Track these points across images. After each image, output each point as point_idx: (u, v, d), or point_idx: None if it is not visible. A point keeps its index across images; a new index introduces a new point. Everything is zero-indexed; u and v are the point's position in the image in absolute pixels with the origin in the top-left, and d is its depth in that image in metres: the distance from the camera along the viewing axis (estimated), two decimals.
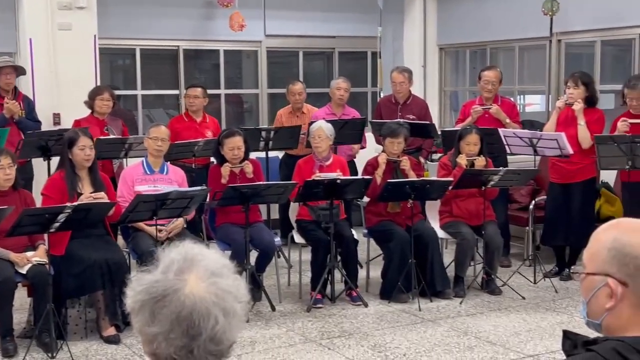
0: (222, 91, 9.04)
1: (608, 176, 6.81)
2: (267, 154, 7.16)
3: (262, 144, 7.00)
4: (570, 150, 6.05)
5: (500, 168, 5.97)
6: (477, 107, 6.77)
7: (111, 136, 6.77)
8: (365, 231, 6.24)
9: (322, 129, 5.97)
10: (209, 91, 9.19)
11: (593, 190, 6.53)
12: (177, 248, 1.59)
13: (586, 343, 1.68)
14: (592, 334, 1.75)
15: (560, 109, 6.35)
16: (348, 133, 6.89)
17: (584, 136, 6.14)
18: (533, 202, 6.92)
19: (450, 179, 5.82)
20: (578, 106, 6.17)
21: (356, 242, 5.92)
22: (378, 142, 7.09)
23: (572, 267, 6.31)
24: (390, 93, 7.57)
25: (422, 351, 4.79)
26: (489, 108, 6.72)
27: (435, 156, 7.71)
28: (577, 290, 5.98)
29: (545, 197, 6.80)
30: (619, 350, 1.59)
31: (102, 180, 5.35)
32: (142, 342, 1.55)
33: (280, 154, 7.82)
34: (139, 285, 1.52)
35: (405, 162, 5.94)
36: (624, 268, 1.63)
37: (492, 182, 5.88)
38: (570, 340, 1.74)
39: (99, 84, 7.50)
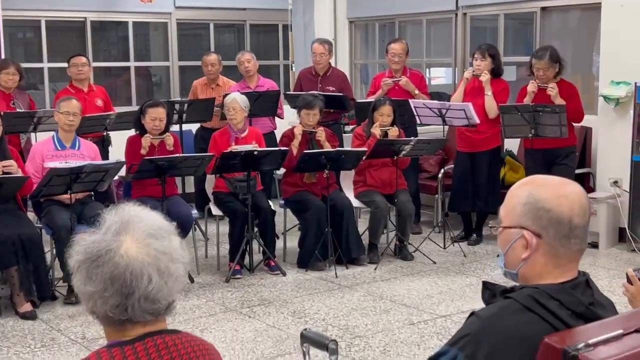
0: (132, 64, 8.90)
1: (511, 144, 7.10)
2: (181, 127, 7.12)
3: (175, 117, 6.96)
4: (477, 120, 6.29)
5: (412, 138, 6.16)
6: (387, 79, 6.93)
7: (18, 110, 6.60)
8: (282, 202, 6.33)
9: (236, 101, 6.00)
10: (119, 64, 9.04)
11: (498, 158, 6.82)
12: (118, 210, 1.64)
13: (504, 292, 1.82)
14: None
15: (467, 79, 6.59)
16: (263, 105, 6.93)
17: (491, 106, 6.40)
18: (442, 171, 7.16)
19: (365, 149, 5.96)
20: (485, 77, 6.42)
21: (273, 212, 6.00)
22: None
23: (492, 223, 6.62)
24: (310, 65, 7.63)
25: (340, 315, 4.94)
26: (399, 80, 6.89)
27: (348, 128, 7.87)
28: (484, 254, 6.30)
29: (453, 166, 7.05)
30: (534, 296, 1.74)
31: (10, 153, 5.23)
32: (82, 301, 1.61)
33: (193, 128, 7.79)
34: (79, 246, 1.57)
35: (321, 133, 6.04)
36: (538, 220, 1.77)
37: (404, 152, 6.06)
38: (489, 291, 1.89)
39: (3, 57, 7.26)
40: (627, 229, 6.33)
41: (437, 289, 5.46)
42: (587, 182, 6.77)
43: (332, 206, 5.92)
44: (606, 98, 6.51)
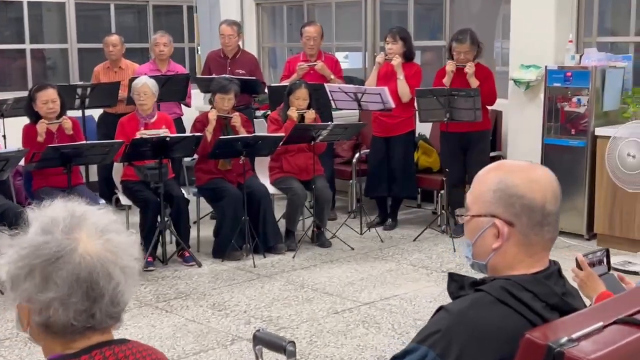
0: (27, 46, 8.41)
1: (424, 128, 7.09)
2: (83, 113, 6.77)
3: (77, 102, 6.61)
4: (392, 104, 6.24)
5: (329, 123, 6.05)
6: (303, 64, 6.79)
7: None
8: (195, 190, 6.10)
9: (147, 85, 5.72)
10: (13, 46, 8.54)
11: (412, 142, 6.81)
12: (56, 206, 1.44)
13: (474, 284, 1.72)
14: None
15: (380, 64, 6.53)
16: (171, 90, 6.65)
17: (403, 90, 6.37)
18: (356, 156, 7.09)
19: (282, 134, 5.81)
20: (397, 61, 6.38)
21: (187, 201, 5.78)
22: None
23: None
24: (219, 48, 7.38)
25: (262, 306, 4.79)
26: (314, 64, 6.76)
27: (259, 112, 7.68)
28: (400, 239, 6.27)
29: (366, 150, 7.00)
30: (507, 288, 1.64)
31: None
32: (23, 314, 1.39)
33: (95, 113, 7.42)
34: (20, 249, 1.36)
35: (237, 119, 5.85)
36: (510, 208, 1.67)
37: (321, 137, 5.94)
38: (456, 282, 1.78)
39: None
40: None
41: (358, 276, 5.38)
42: None
43: (249, 193, 5.74)
44: (516, 82, 6.58)
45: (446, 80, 6.22)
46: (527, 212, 1.66)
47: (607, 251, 2.45)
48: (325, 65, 6.78)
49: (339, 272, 5.48)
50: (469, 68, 6.14)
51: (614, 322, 1.58)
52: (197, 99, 8.05)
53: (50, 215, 1.41)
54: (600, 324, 1.55)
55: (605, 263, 2.42)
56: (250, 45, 9.36)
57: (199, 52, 9.28)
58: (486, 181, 1.73)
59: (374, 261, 5.74)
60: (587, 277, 2.33)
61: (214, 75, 6.54)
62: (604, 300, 2.04)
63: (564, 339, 1.50)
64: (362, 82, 7.27)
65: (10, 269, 1.37)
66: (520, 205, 1.67)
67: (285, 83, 6.61)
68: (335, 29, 8.66)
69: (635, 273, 5.24)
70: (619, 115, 6.20)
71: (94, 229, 1.40)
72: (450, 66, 6.20)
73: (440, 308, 1.71)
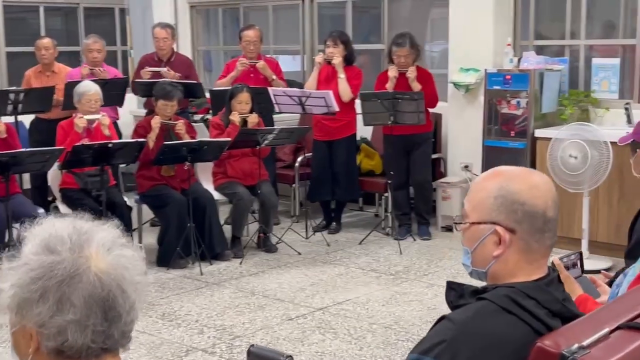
0: None
1: (365, 131, 7.10)
2: (16, 119, 6.52)
3: (10, 107, 6.37)
4: (337, 108, 6.23)
5: (275, 127, 6.00)
6: (243, 59, 6.71)
7: None
8: (137, 197, 5.95)
9: (98, 93, 5.59)
10: None
11: (355, 145, 6.81)
12: (55, 223, 1.36)
13: (475, 292, 1.70)
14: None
15: (320, 64, 6.52)
16: (109, 94, 6.46)
17: (344, 89, 6.37)
18: (299, 160, 7.05)
19: (228, 139, 5.72)
20: (337, 59, 6.38)
21: (130, 208, 5.63)
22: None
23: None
24: (152, 51, 7.23)
25: (214, 315, 4.70)
26: (256, 62, 6.70)
27: (197, 117, 7.56)
28: (346, 242, 6.27)
29: (308, 154, 6.96)
30: (511, 296, 1.64)
31: None
32: (25, 341, 1.30)
33: (26, 119, 7.15)
34: (29, 270, 1.27)
35: (181, 126, 5.73)
36: (512, 215, 1.67)
37: (266, 141, 5.88)
38: (455, 291, 1.76)
39: None
40: None
41: (308, 281, 5.34)
42: (438, 167, 6.93)
43: (194, 199, 5.63)
44: (456, 85, 6.67)
45: (389, 86, 6.24)
46: (529, 218, 1.66)
47: (581, 254, 2.49)
48: (267, 65, 6.73)
49: (288, 277, 5.43)
50: (411, 73, 6.19)
51: (618, 328, 1.59)
52: (131, 103, 7.87)
53: (54, 233, 1.33)
54: (607, 330, 1.56)
55: (579, 266, 2.46)
56: (184, 48, 9.21)
57: (132, 55, 9.10)
58: (486, 188, 1.72)
59: (323, 265, 5.72)
60: (564, 280, 2.34)
61: (157, 79, 6.38)
62: (601, 305, 2.06)
63: (575, 347, 1.50)
64: (300, 85, 7.25)
65: (17, 292, 1.28)
66: (522, 212, 1.66)
67: (226, 87, 6.52)
68: (272, 32, 8.60)
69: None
70: (557, 117, 6.35)
71: (102, 245, 1.33)
72: (392, 72, 6.23)
73: (442, 318, 1.69)
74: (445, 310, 4.78)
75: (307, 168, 6.93)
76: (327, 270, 5.58)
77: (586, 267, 5.57)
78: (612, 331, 1.57)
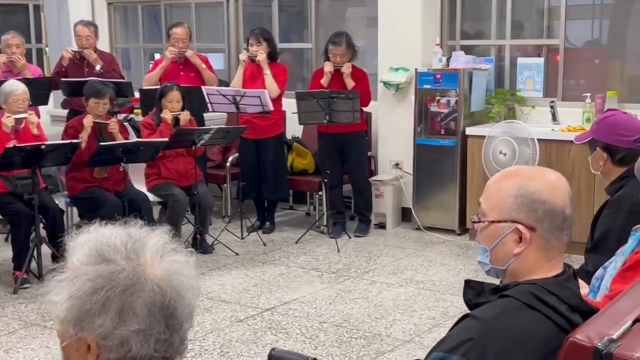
0: None
1: (295, 130, 7.09)
2: None
3: None
4: (272, 107, 6.21)
5: (211, 126, 5.91)
6: (172, 48, 6.60)
7: None
8: (68, 200, 5.75)
9: (25, 92, 5.35)
10: None
11: (282, 144, 6.80)
12: (105, 231, 1.31)
13: (496, 290, 1.74)
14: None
15: (245, 62, 6.48)
16: (33, 93, 6.20)
17: (271, 85, 6.35)
18: (230, 159, 6.98)
19: (165, 139, 5.60)
20: (262, 56, 6.36)
21: (62, 212, 5.44)
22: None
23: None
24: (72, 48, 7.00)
25: None
26: (185, 51, 6.61)
27: (120, 116, 7.37)
28: (282, 241, 6.26)
29: (237, 154, 6.90)
30: (534, 292, 1.68)
31: None
32: (81, 353, 1.24)
33: None
34: (87, 280, 1.22)
35: (114, 125, 5.57)
36: (533, 213, 1.71)
37: (202, 141, 5.79)
38: (473, 289, 1.79)
39: None
40: (412, 208, 6.64)
41: (251, 282, 5.30)
42: (368, 165, 6.99)
43: (129, 201, 5.49)
44: (386, 84, 6.76)
45: (324, 81, 6.28)
46: (550, 216, 1.71)
47: None
48: (196, 56, 6.66)
49: (230, 278, 5.38)
50: (346, 68, 6.24)
51: (637, 320, 1.65)
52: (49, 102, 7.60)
53: (105, 241, 1.28)
54: (629, 322, 1.62)
55: None
56: (102, 46, 8.96)
57: (47, 54, 8.78)
58: (505, 188, 1.75)
59: (263, 265, 5.68)
60: None
61: (85, 79, 6.18)
62: (613, 299, 2.14)
63: (606, 340, 1.55)
64: (226, 84, 7.18)
65: (75, 304, 1.22)
66: (543, 211, 1.70)
67: (156, 87, 6.40)
68: (195, 30, 8.47)
69: None
70: (485, 115, 6.54)
71: (155, 251, 1.29)
72: (328, 67, 6.26)
73: (467, 315, 1.71)
74: (390, 307, 4.85)
75: (238, 168, 6.86)
76: (268, 270, 5.55)
77: None
78: (633, 323, 1.63)
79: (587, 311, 1.72)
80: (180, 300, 1.27)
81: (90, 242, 1.29)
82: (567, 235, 1.75)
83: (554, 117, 6.23)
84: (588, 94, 6.08)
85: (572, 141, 5.69)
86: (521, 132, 5.76)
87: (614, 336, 1.56)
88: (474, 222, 1.79)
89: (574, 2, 6.41)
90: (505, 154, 5.84)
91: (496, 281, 1.80)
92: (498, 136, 5.76)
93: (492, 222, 1.75)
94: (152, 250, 1.29)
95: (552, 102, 6.27)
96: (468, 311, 1.76)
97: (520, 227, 1.71)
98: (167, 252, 1.31)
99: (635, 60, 6.69)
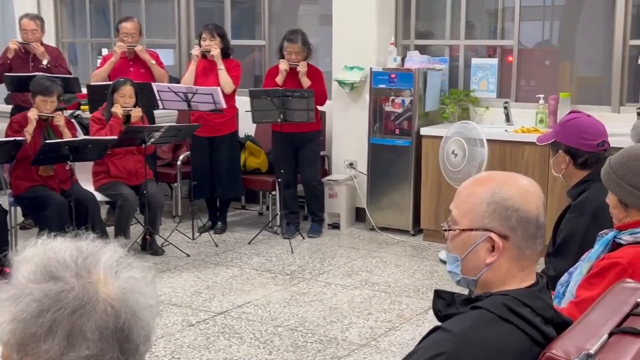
0: None
1: (248, 128, 6.97)
2: None
3: None
4: (224, 105, 6.08)
5: (163, 124, 5.76)
6: (121, 43, 6.43)
7: None
8: (12, 199, 5.54)
9: None
10: None
11: (237, 142, 6.68)
12: (54, 245, 1.19)
13: (468, 301, 1.66)
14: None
15: (197, 57, 6.35)
16: None
17: (225, 80, 6.23)
18: (180, 157, 6.82)
19: (114, 137, 5.42)
20: (216, 51, 6.24)
21: (5, 212, 5.23)
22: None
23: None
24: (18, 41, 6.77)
25: None
26: (134, 46, 6.44)
27: (66, 113, 7.14)
28: (234, 242, 6.13)
29: (188, 152, 6.75)
30: (507, 304, 1.61)
31: None
32: None
33: None
34: (32, 301, 1.09)
35: (59, 118, 5.39)
36: (506, 221, 1.64)
37: (153, 139, 5.64)
38: (443, 300, 1.71)
39: None
40: (366, 209, 6.58)
41: (203, 284, 5.17)
42: (322, 164, 6.92)
43: (75, 201, 5.31)
44: (341, 83, 6.68)
45: (279, 79, 6.18)
46: (524, 224, 1.64)
47: None
48: (144, 50, 6.51)
49: (181, 281, 5.24)
50: (302, 67, 6.15)
51: (611, 334, 1.60)
52: None
53: (53, 257, 1.15)
54: (605, 336, 1.56)
55: None
56: (48, 40, 8.69)
57: None
58: (477, 193, 1.67)
59: (215, 267, 5.55)
60: None
61: (30, 74, 5.97)
62: (579, 305, 2.09)
63: (583, 354, 1.49)
64: (176, 80, 7.03)
65: (19, 327, 1.10)
66: (517, 218, 1.64)
67: (105, 82, 6.21)
68: (145, 25, 8.27)
69: None
70: (439, 115, 6.52)
71: (109, 267, 1.17)
72: (283, 65, 6.16)
73: (436, 328, 1.64)
74: (345, 310, 4.76)
75: (189, 166, 6.71)
76: (220, 272, 5.43)
77: None
78: (609, 335, 1.57)
79: (561, 323, 1.66)
80: (137, 322, 1.15)
81: (38, 257, 1.16)
82: (540, 244, 1.69)
83: (508, 118, 6.23)
84: (541, 95, 6.10)
85: (526, 142, 5.80)
86: (471, 132, 5.73)
87: (592, 351, 1.50)
88: (445, 230, 1.72)
89: (526, 2, 6.42)
90: (456, 155, 5.81)
91: (466, 290, 1.73)
92: (450, 136, 5.73)
93: (464, 230, 1.68)
94: (105, 266, 1.17)
95: (505, 103, 6.27)
96: (437, 322, 1.68)
97: (493, 235, 1.64)
98: (123, 268, 1.19)
99: (584, 62, 6.74)
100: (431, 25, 7.08)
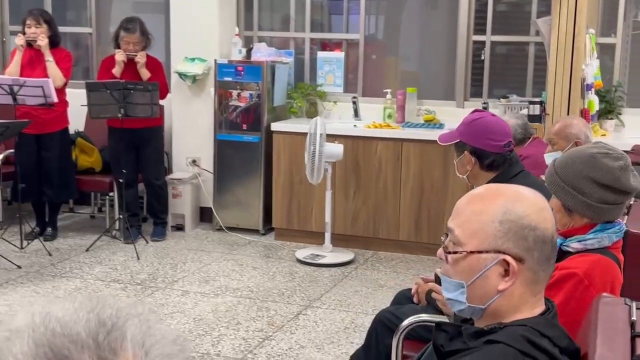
0: None
1: (79, 124, 6.37)
2: None
3: None
4: (55, 99, 5.50)
5: None
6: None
7: None
8: None
9: None
10: None
11: (69, 139, 6.09)
12: (56, 310, 0.82)
13: (479, 334, 1.45)
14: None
15: (22, 47, 5.71)
16: None
17: (55, 73, 5.66)
18: (0, 157, 6.09)
19: None
20: (44, 42, 5.66)
21: None
22: None
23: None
24: None
25: None
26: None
27: None
28: (69, 249, 5.59)
29: (11, 151, 6.05)
30: (528, 337, 1.42)
31: None
32: None
33: None
34: None
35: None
36: (522, 242, 1.45)
37: None
38: (446, 333, 1.50)
39: None
40: (212, 208, 6.24)
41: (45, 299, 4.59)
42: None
43: None
44: (181, 75, 6.28)
45: (116, 71, 5.69)
46: (540, 245, 1.45)
47: None
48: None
49: (16, 297, 4.63)
50: (141, 57, 5.70)
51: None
52: None
53: (62, 331, 0.78)
54: None
55: None
56: None
57: None
58: (487, 211, 1.46)
59: (54, 279, 4.98)
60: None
61: None
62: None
63: None
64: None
65: None
66: (534, 238, 1.45)
67: None
68: None
69: (326, 265, 5.37)
70: (287, 110, 6.31)
71: (137, 345, 0.81)
72: (120, 55, 5.67)
73: None
74: (212, 320, 4.43)
75: (11, 167, 6.01)
76: (61, 285, 4.87)
77: (330, 260, 5.60)
78: None
79: (574, 351, 1.49)
80: None
81: (38, 331, 0.78)
82: (552, 265, 1.51)
83: (356, 113, 6.15)
84: (389, 90, 6.07)
85: (379, 138, 5.73)
86: (312, 128, 5.52)
87: None
88: (447, 252, 1.49)
89: None
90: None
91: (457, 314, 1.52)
92: (309, 132, 5.52)
93: (472, 252, 1.46)
94: (133, 342, 0.81)
95: (354, 97, 6.19)
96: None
97: (507, 258, 1.44)
98: (154, 343, 0.83)
99: (407, 58, 6.71)
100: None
